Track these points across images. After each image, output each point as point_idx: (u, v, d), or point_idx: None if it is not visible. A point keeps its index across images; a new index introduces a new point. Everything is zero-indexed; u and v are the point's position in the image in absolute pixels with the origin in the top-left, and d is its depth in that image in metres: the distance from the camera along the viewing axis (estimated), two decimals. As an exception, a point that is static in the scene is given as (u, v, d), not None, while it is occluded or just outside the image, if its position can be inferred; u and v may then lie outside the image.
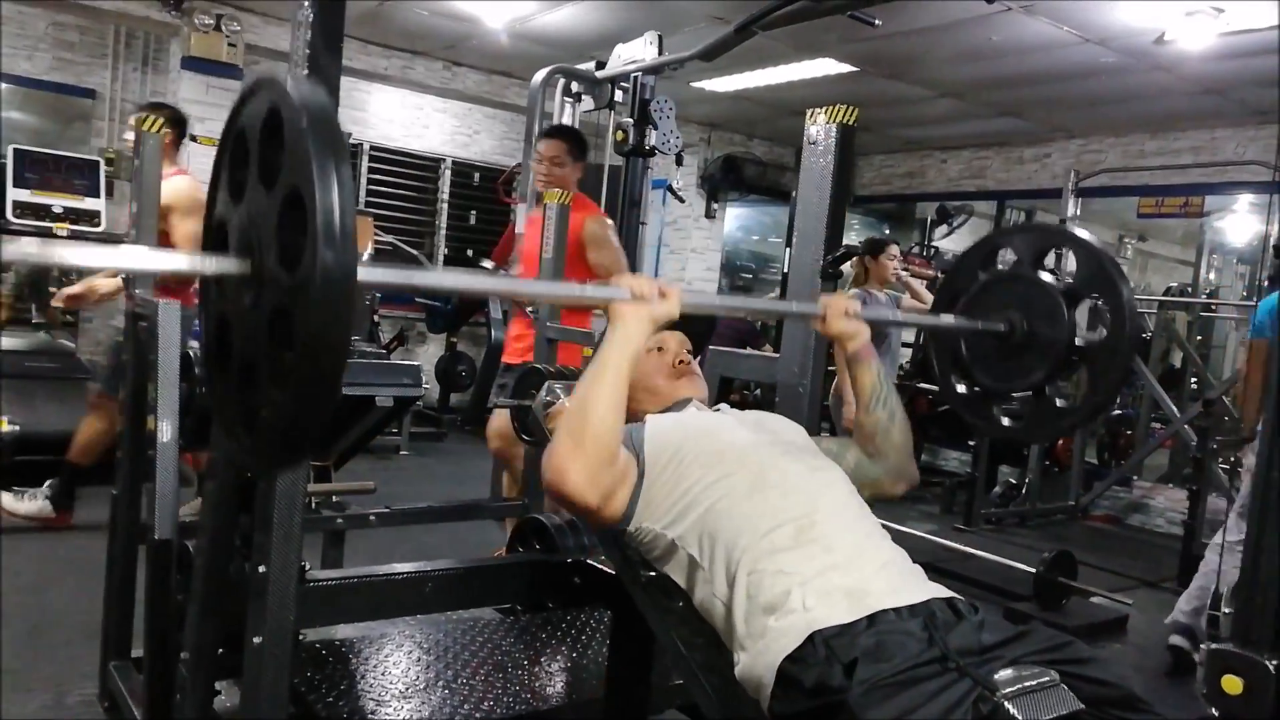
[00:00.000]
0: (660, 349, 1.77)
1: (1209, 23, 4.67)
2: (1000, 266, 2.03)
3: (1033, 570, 3.88)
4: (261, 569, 1.57)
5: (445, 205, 8.11)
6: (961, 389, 2.10)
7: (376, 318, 6.17)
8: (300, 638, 2.10)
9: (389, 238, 6.93)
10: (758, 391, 5.80)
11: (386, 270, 1.40)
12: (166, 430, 2.09)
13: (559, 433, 1.44)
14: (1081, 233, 2.06)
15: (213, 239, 1.18)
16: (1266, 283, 2.23)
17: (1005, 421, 2.07)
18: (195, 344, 5.69)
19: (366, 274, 1.19)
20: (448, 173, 8.05)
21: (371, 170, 7.63)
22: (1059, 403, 1.96)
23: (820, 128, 2.09)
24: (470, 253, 8.11)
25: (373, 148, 7.60)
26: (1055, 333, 1.88)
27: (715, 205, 8.69)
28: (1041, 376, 1.91)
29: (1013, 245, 2.03)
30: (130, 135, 2.59)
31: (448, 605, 2.39)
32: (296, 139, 0.98)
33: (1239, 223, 8.10)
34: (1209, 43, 4.92)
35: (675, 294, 1.47)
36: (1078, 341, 1.89)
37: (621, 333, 1.45)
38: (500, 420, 3.36)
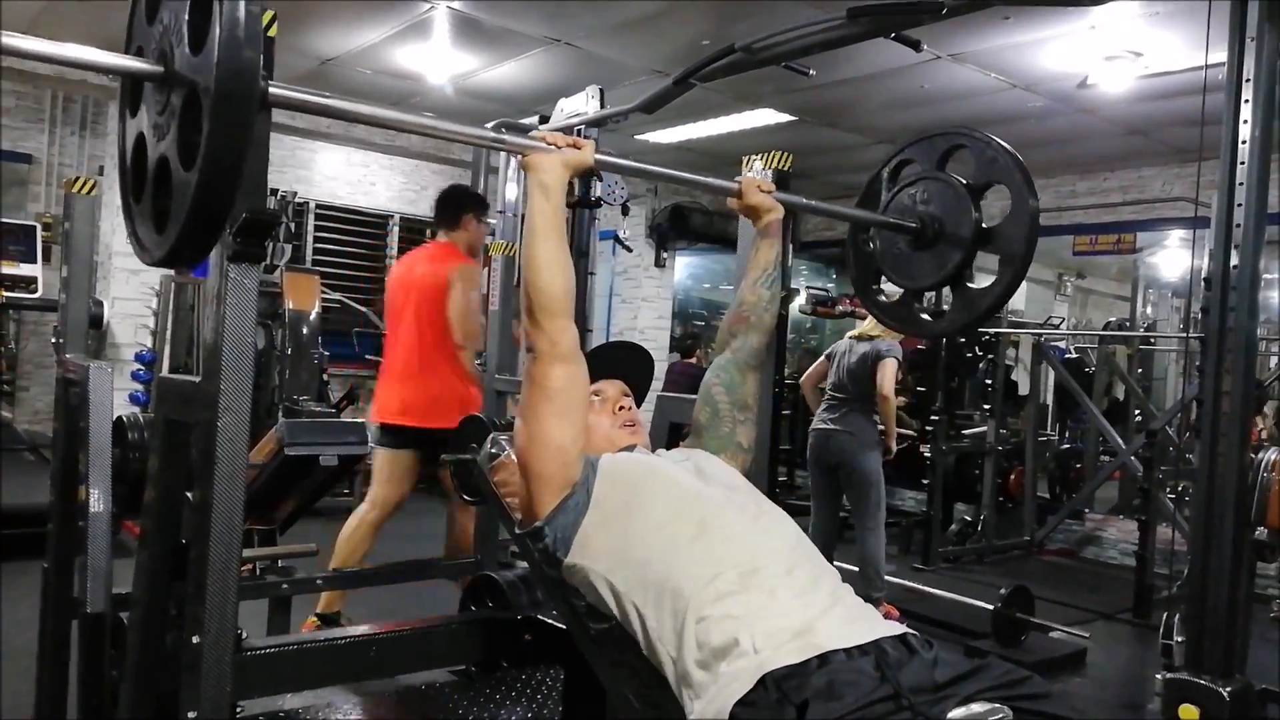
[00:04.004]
0: (597, 395, 1.74)
1: (1128, 66, 4.86)
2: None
3: (991, 607, 3.88)
4: (195, 639, 1.50)
5: (393, 262, 8.06)
6: (883, 298, 2.24)
7: (326, 376, 6.07)
8: (238, 711, 2.02)
9: (336, 295, 6.87)
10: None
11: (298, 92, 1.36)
12: (98, 500, 2.02)
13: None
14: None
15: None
16: (1200, 315, 2.30)
17: (927, 318, 2.21)
18: (136, 409, 5.49)
19: (278, 91, 1.23)
20: (396, 229, 8.01)
21: (318, 228, 7.57)
22: (976, 286, 2.09)
23: (756, 173, 2.12)
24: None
25: (319, 206, 7.55)
26: (964, 222, 2.03)
27: (665, 254, 8.75)
28: (956, 265, 2.04)
29: (915, 156, 2.16)
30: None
31: (396, 669, 2.33)
32: None
33: (1171, 258, 8.35)
34: (1130, 85, 5.11)
35: (589, 144, 1.60)
36: (984, 225, 2.04)
37: (537, 179, 1.55)
38: None
